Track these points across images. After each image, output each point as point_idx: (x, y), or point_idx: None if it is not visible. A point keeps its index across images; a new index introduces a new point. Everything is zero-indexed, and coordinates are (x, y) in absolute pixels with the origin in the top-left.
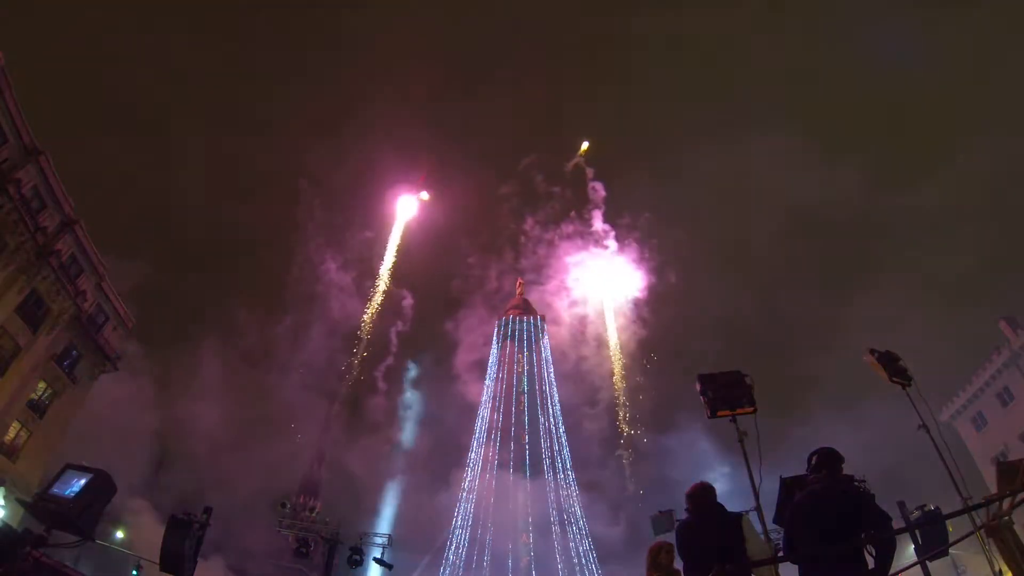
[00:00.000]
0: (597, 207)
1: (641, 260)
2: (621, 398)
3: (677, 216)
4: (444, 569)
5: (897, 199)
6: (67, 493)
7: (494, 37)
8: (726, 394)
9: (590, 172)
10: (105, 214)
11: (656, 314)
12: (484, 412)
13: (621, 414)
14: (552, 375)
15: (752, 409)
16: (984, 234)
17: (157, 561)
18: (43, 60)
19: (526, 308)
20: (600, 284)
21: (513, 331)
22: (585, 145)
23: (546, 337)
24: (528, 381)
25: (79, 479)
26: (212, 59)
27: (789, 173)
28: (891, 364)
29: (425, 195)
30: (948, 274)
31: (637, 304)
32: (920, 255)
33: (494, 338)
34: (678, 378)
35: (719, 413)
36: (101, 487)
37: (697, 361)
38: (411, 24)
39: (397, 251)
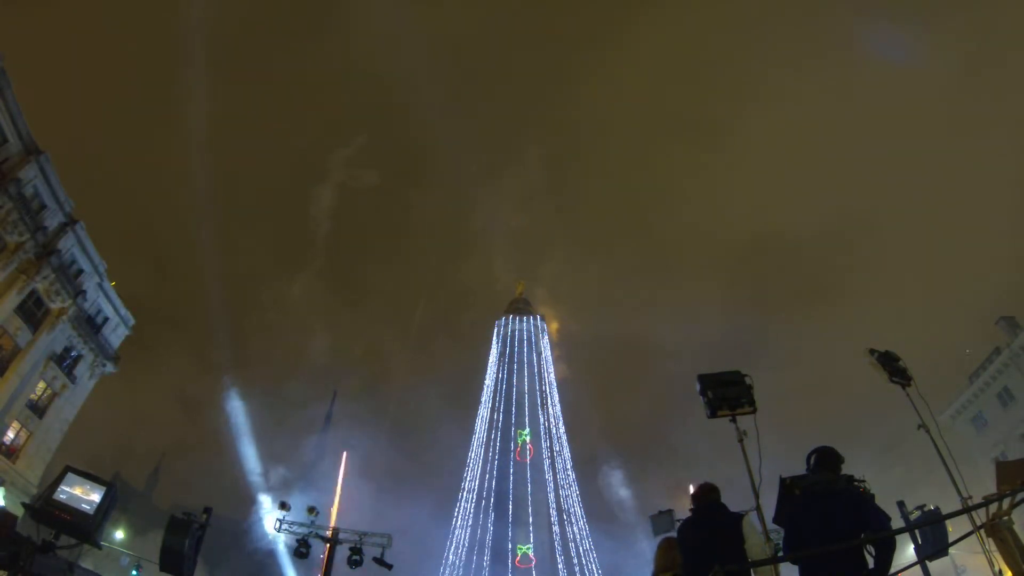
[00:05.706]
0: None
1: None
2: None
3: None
4: (444, 569)
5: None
6: (81, 505)
7: None
8: (726, 394)
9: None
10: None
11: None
12: (484, 411)
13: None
14: (552, 375)
15: (752, 409)
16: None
17: (157, 561)
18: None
19: (526, 307)
20: None
21: (512, 331)
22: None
23: (546, 337)
24: (528, 381)
25: (90, 491)
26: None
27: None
28: (890, 364)
29: None
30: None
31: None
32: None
33: (493, 337)
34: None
35: (719, 413)
36: (111, 499)
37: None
38: None
39: None
